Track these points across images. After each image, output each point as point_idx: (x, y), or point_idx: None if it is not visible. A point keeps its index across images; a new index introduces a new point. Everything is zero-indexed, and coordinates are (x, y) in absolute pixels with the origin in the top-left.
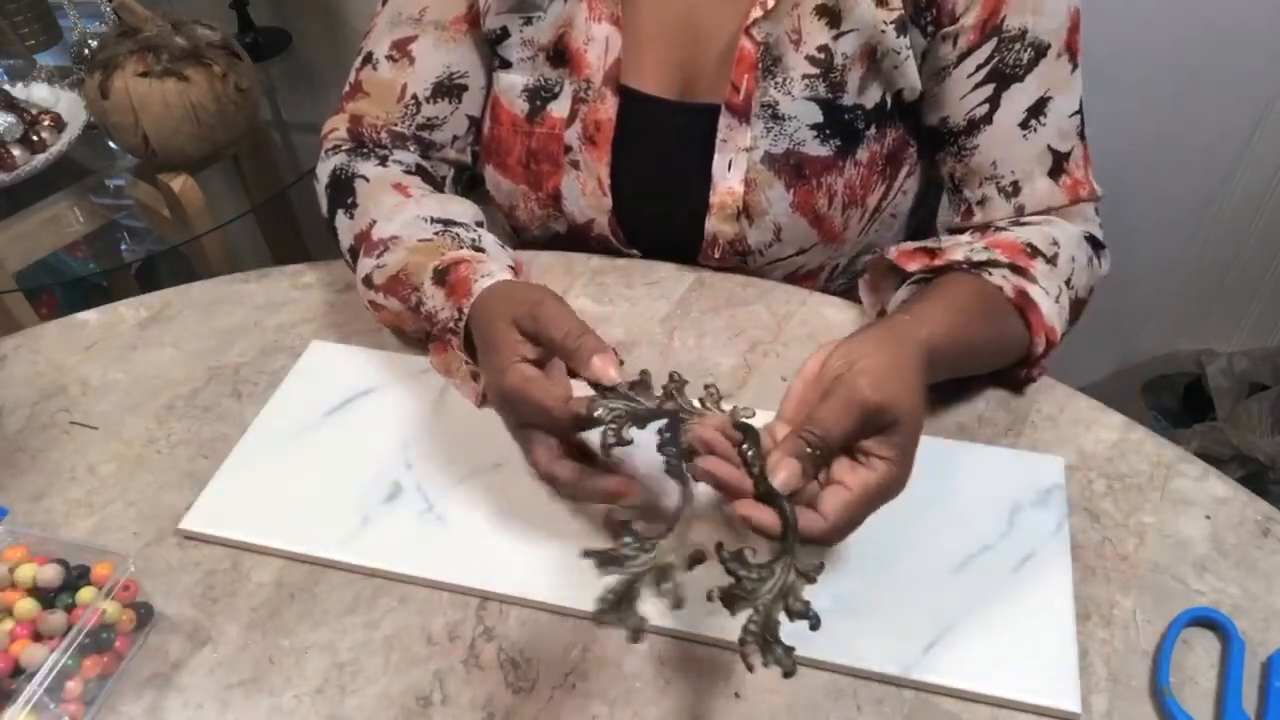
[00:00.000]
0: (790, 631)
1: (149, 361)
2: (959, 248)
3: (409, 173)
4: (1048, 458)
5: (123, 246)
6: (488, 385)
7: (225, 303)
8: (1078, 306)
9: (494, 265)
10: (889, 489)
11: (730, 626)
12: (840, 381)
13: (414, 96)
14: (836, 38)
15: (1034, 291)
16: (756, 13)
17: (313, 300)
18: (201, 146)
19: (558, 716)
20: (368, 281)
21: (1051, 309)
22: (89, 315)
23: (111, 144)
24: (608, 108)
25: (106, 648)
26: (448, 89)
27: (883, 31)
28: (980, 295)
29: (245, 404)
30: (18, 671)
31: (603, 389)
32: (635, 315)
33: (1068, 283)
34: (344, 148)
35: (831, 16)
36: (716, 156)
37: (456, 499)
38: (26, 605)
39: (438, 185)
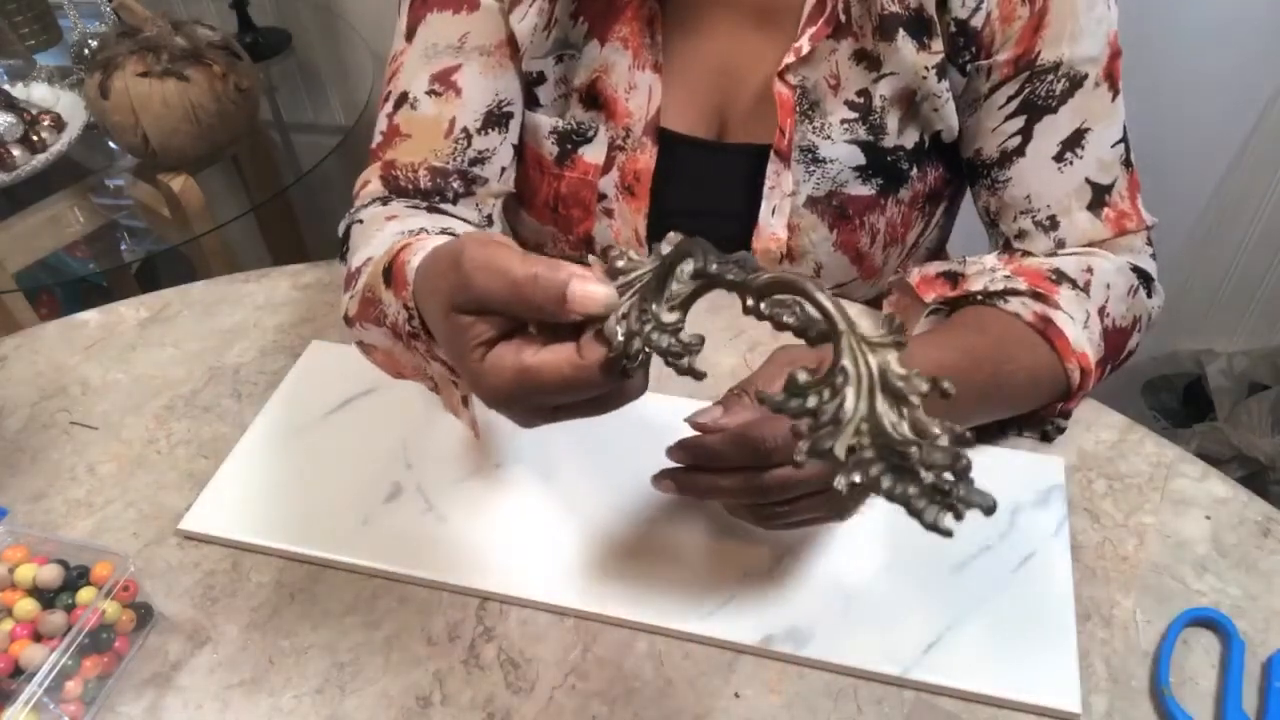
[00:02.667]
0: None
1: (149, 361)
2: (980, 276)
3: (414, 208)
4: (1048, 458)
5: (123, 246)
6: (473, 391)
7: (225, 303)
8: (1118, 337)
9: (433, 240)
10: None
11: (729, 626)
12: None
13: (464, 130)
14: (875, 81)
15: (1058, 317)
16: (790, 58)
17: (313, 300)
18: (201, 146)
19: (558, 716)
20: (348, 320)
21: (1079, 334)
22: (89, 315)
23: (111, 144)
24: (648, 156)
25: (106, 648)
26: (497, 118)
27: (924, 77)
28: (996, 328)
29: (245, 404)
30: (18, 671)
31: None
32: None
33: (1102, 311)
34: (368, 204)
35: (870, 61)
36: (763, 203)
37: (456, 499)
38: (26, 605)
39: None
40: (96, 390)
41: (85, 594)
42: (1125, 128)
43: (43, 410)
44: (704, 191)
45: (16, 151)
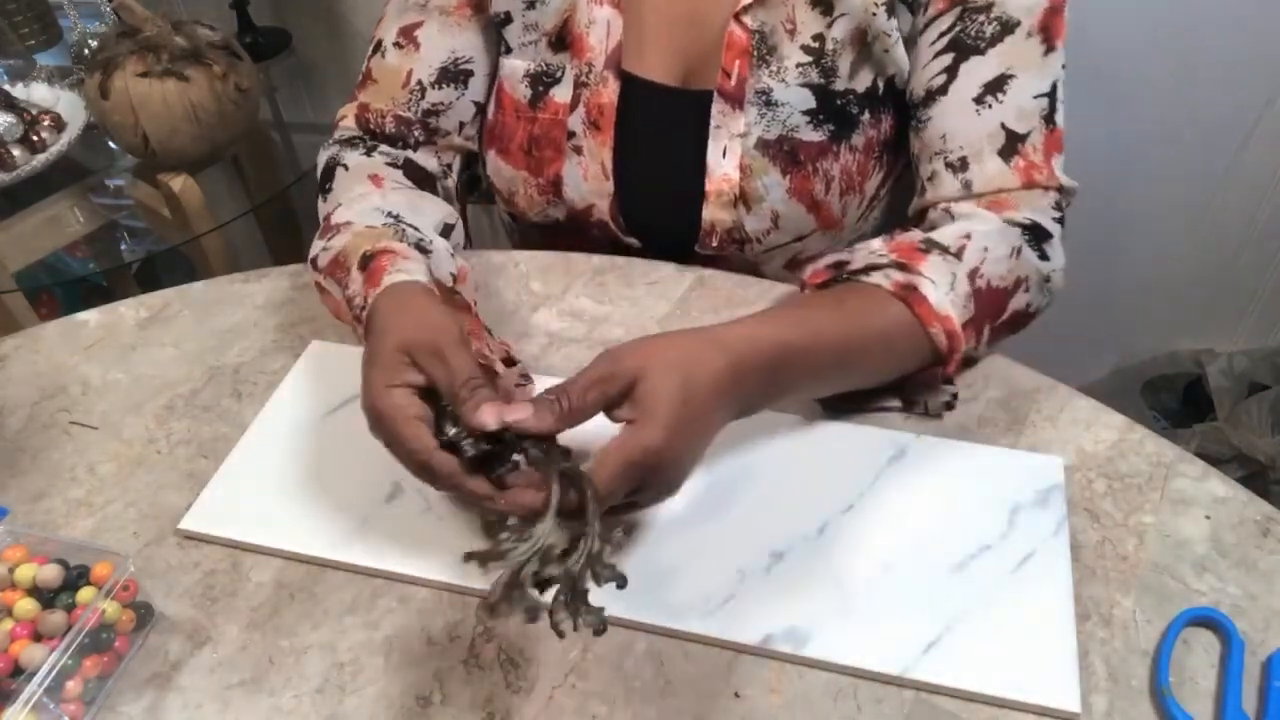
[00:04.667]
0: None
1: (149, 361)
2: (858, 259)
3: (393, 165)
4: (1048, 458)
5: (123, 246)
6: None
7: (225, 303)
8: (994, 296)
9: (415, 265)
10: (633, 452)
11: (729, 626)
12: None
13: (419, 82)
14: (830, 25)
15: (921, 284)
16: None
17: (313, 300)
18: (201, 146)
19: (558, 716)
20: (314, 264)
21: (941, 298)
22: (89, 315)
23: (111, 144)
24: (610, 91)
25: (106, 648)
26: (453, 75)
27: (873, 15)
28: (851, 301)
29: (245, 404)
30: (18, 671)
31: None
32: (635, 315)
33: (974, 273)
34: (344, 138)
35: (824, 5)
36: (711, 143)
37: (456, 499)
38: (26, 605)
39: (429, 180)
40: (96, 390)
41: (85, 594)
42: (1056, 86)
43: (43, 410)
44: (665, 133)
45: (16, 151)
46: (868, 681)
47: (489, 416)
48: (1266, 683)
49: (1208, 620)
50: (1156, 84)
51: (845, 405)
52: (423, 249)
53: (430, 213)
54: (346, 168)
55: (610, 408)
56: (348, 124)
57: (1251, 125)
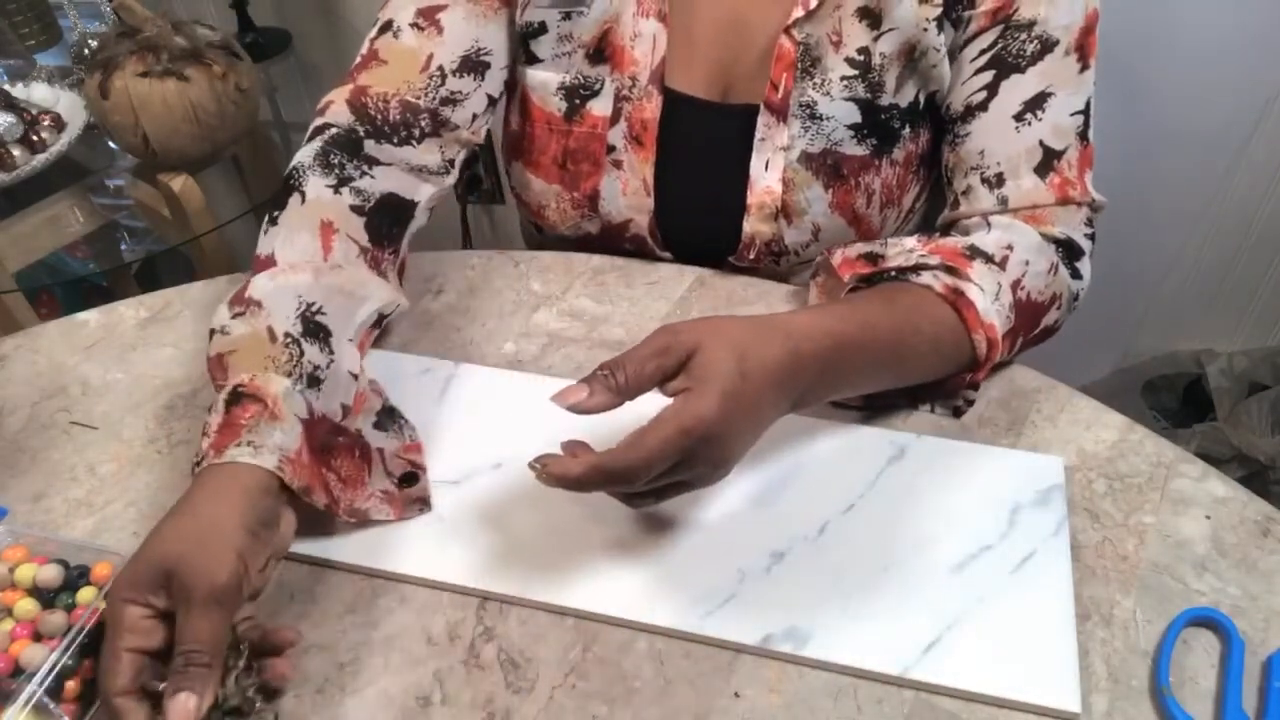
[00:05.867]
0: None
1: (149, 361)
2: (898, 255)
3: (358, 210)
4: (1048, 458)
5: (123, 246)
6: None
7: None
8: (1031, 310)
9: (276, 436)
10: (687, 419)
11: (729, 626)
12: None
13: (440, 68)
14: (877, 38)
15: (969, 289)
16: (798, 12)
17: None
18: (201, 146)
19: (558, 716)
20: (211, 334)
21: (988, 306)
22: (89, 315)
23: (111, 144)
24: (654, 106)
25: None
26: (474, 65)
27: (924, 30)
28: (904, 300)
29: None
30: (18, 671)
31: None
32: (635, 315)
33: (1016, 284)
34: (331, 132)
35: (872, 18)
36: (754, 155)
37: (456, 499)
38: (26, 605)
39: (406, 209)
40: (96, 390)
41: (85, 594)
42: (1089, 103)
43: (43, 410)
44: (706, 148)
45: (16, 151)
46: (868, 681)
47: (173, 713)
48: (1266, 683)
49: (1208, 620)
50: (1156, 84)
51: (853, 399)
52: (316, 379)
53: (371, 299)
54: (303, 199)
55: (665, 380)
56: (337, 110)
57: (1251, 125)
